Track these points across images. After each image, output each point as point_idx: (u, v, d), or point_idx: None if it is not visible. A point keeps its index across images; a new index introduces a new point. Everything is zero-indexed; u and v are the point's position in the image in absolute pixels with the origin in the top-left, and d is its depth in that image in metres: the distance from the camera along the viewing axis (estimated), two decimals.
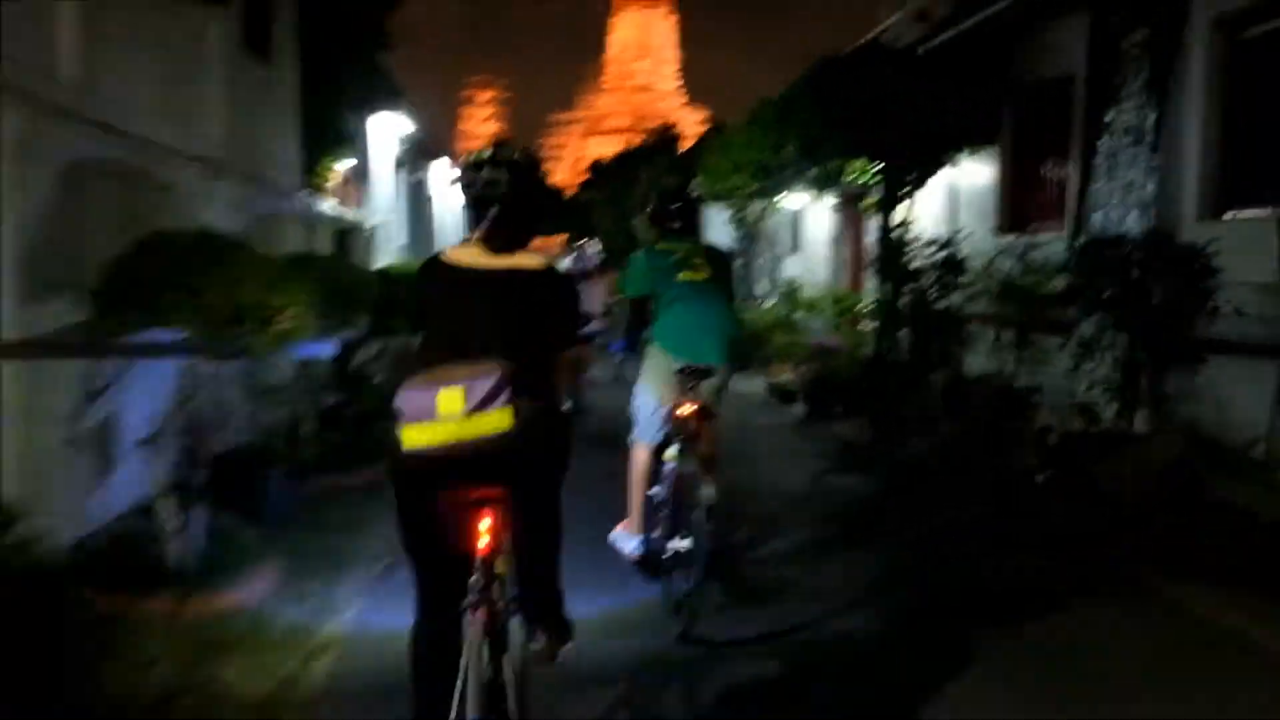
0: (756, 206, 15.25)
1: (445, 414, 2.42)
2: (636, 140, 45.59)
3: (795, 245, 16.76)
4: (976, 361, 8.97)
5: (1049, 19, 8.61)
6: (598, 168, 45.64)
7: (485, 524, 2.53)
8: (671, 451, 4.30)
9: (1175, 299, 5.74)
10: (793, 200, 15.01)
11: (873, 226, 12.60)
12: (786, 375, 11.14)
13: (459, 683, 2.38)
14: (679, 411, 4.26)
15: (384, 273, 9.43)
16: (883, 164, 10.08)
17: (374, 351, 8.12)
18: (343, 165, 13.02)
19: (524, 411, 2.46)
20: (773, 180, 12.52)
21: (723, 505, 4.40)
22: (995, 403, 7.25)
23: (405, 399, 2.47)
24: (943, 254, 9.13)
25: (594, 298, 10.81)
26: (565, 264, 42.10)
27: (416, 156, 18.12)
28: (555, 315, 2.86)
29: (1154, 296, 5.85)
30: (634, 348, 4.72)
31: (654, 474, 4.48)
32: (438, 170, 21.47)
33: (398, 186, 16.52)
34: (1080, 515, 5.52)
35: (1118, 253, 6.20)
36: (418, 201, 18.61)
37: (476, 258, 2.81)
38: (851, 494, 6.83)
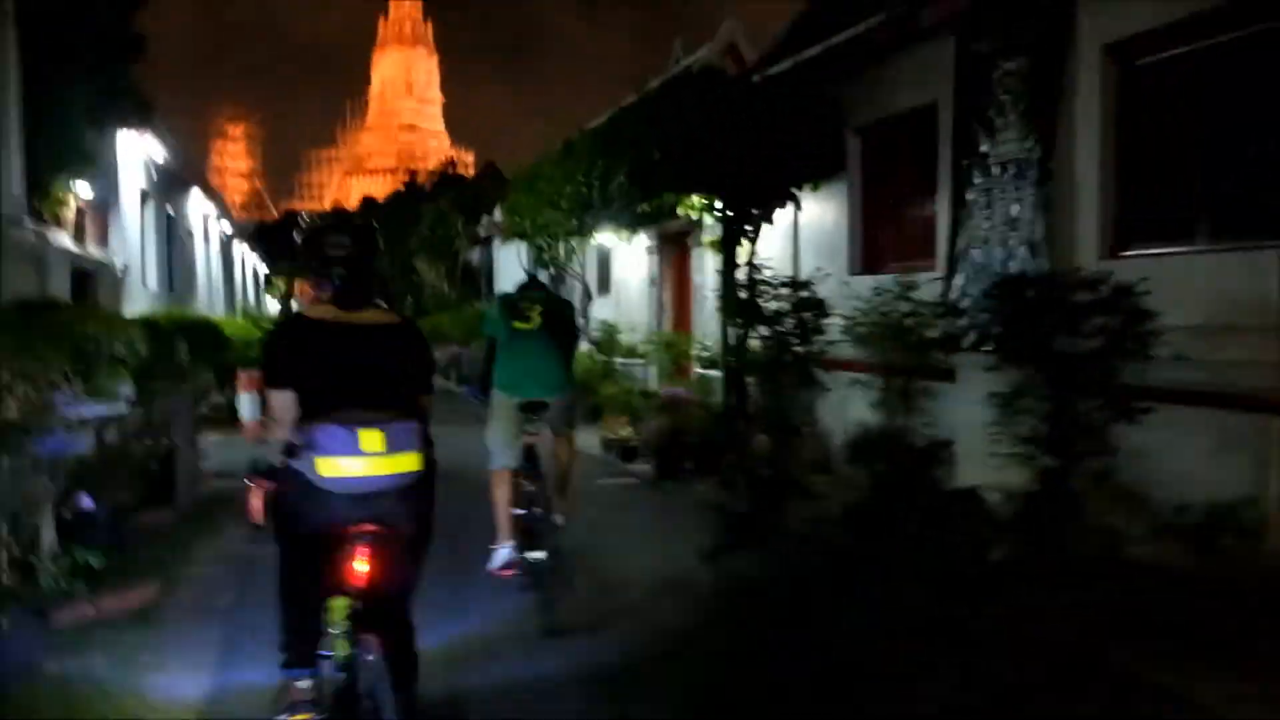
0: (565, 245, 14.19)
1: (368, 450, 2.75)
2: (402, 180, 43.74)
3: (605, 286, 15.84)
4: (851, 412, 8.30)
5: (901, 47, 8.16)
6: (370, 207, 43.22)
7: (364, 558, 2.76)
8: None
9: (1112, 343, 5.18)
10: (603, 239, 14.08)
11: (706, 265, 11.89)
12: (625, 429, 10.10)
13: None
14: (525, 441, 5.23)
15: (151, 324, 7.55)
16: (722, 198, 9.30)
17: (138, 421, 6.28)
18: (82, 191, 10.77)
19: (427, 456, 2.91)
20: (592, 216, 11.51)
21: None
22: (900, 459, 6.49)
23: (324, 433, 2.76)
24: (800, 294, 8.44)
25: None
26: None
27: (171, 187, 15.71)
28: (417, 364, 3.16)
29: (1086, 342, 5.27)
30: (485, 391, 5.41)
31: (517, 495, 5.29)
32: (196, 204, 18.95)
33: (150, 220, 14.14)
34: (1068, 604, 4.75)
35: (1039, 293, 5.59)
36: (173, 239, 16.15)
37: (337, 314, 3.03)
38: (753, 581, 5.78)
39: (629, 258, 14.72)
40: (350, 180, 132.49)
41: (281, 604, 3.03)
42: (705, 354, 10.97)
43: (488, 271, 27.15)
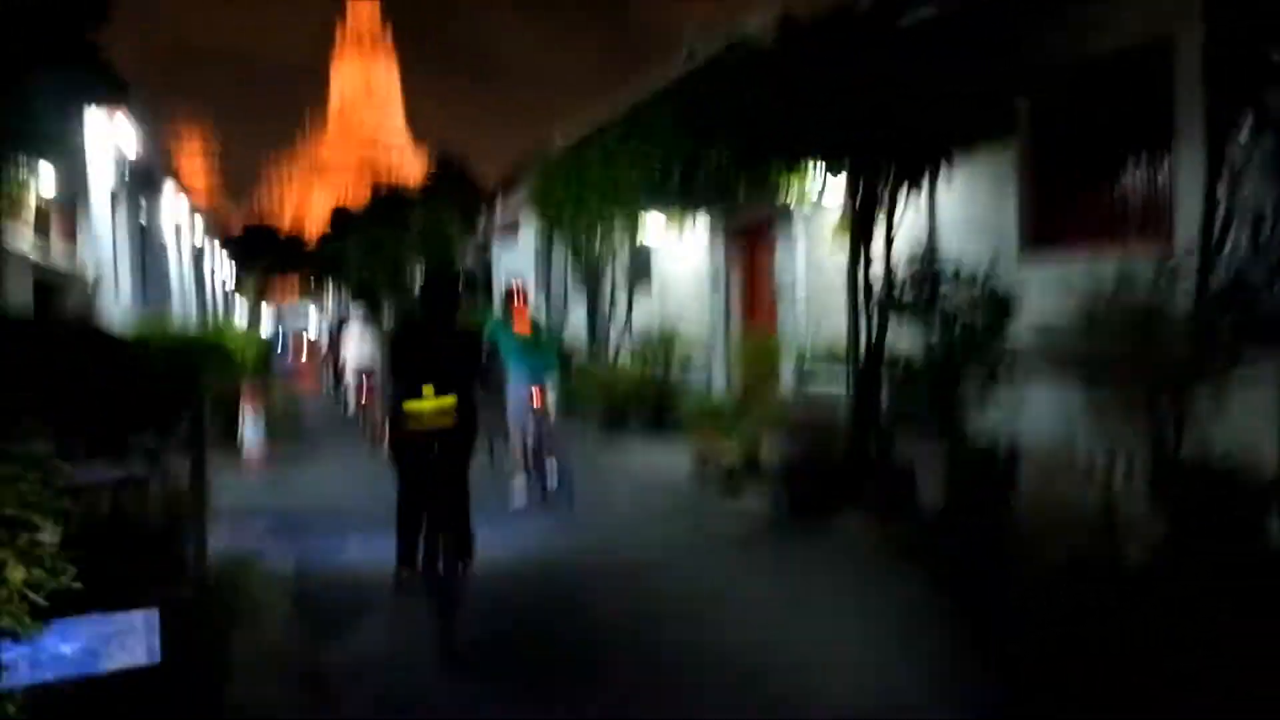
0: (608, 241, 12.34)
1: (427, 395, 4.89)
2: (370, 186, 41.76)
3: (645, 285, 13.97)
4: (1043, 427, 6.55)
5: None
6: (343, 217, 40.94)
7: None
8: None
9: None
10: (652, 232, 12.25)
11: (797, 257, 10.12)
12: (727, 450, 8.29)
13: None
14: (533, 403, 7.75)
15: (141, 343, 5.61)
16: (856, 167, 7.52)
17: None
18: (44, 183, 8.77)
19: (462, 405, 4.98)
20: (662, 202, 9.71)
21: None
22: (1207, 497, 4.73)
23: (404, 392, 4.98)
24: (977, 285, 6.73)
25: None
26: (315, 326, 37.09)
27: (143, 184, 13.64)
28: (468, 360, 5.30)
29: None
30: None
31: (523, 446, 7.83)
32: (168, 203, 16.84)
33: (122, 221, 12.09)
34: None
35: None
36: (147, 243, 14.07)
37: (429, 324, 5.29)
38: None
39: (679, 252, 12.89)
40: (311, 192, 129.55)
41: (398, 517, 5.20)
42: (809, 361, 9.19)
43: (485, 272, 25.27)
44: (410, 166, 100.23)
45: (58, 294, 8.69)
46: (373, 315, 13.24)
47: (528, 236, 19.79)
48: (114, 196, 12.04)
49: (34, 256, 8.13)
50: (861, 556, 6.13)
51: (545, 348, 8.03)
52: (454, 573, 4.78)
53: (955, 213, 8.07)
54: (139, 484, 3.68)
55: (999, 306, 6.66)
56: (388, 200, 32.54)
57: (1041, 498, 6.10)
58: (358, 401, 12.63)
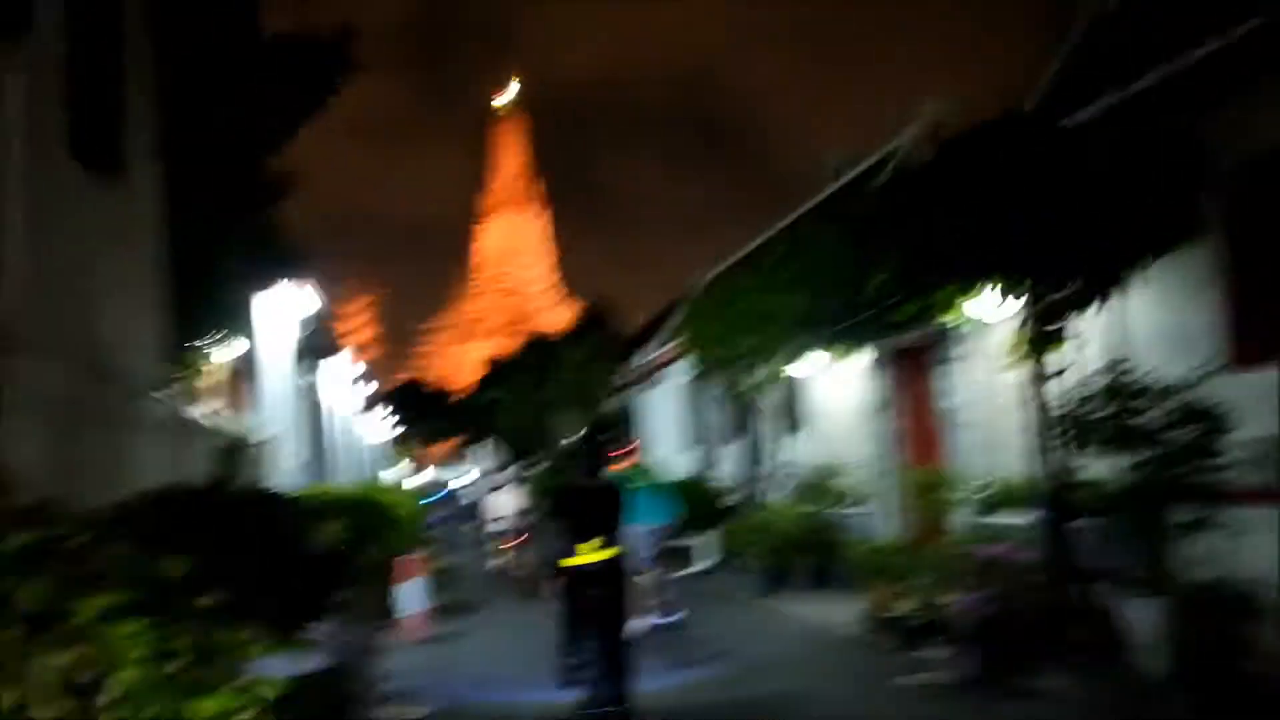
0: (759, 374, 12.07)
1: (583, 550, 5.82)
2: (520, 338, 43.41)
3: (794, 420, 13.55)
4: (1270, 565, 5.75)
5: None
6: (495, 366, 42.43)
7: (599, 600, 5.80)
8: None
9: None
10: (807, 363, 11.93)
11: (965, 382, 9.60)
12: (904, 602, 7.66)
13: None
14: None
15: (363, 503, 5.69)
16: (1035, 283, 7.07)
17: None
18: (225, 355, 9.31)
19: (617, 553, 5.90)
20: (822, 330, 9.45)
21: None
22: None
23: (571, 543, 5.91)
24: (1180, 400, 6.11)
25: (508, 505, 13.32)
26: (472, 483, 37.82)
27: (316, 349, 14.42)
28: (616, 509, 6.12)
29: None
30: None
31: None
32: (332, 371, 17.73)
33: (293, 387, 12.71)
34: None
35: None
36: (314, 408, 14.76)
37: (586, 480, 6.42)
38: None
39: (833, 383, 12.50)
40: (465, 345, 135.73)
41: (563, 638, 6.16)
42: (986, 494, 8.52)
43: (625, 418, 25.41)
44: (558, 316, 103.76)
45: (234, 458, 9.06)
46: (524, 470, 13.62)
47: (677, 377, 19.81)
48: (287, 363, 12.70)
49: (212, 422, 8.52)
50: None
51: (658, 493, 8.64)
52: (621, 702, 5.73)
53: (1146, 323, 7.46)
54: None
55: (1207, 423, 5.99)
56: (536, 348, 33.56)
57: None
58: (510, 557, 12.77)
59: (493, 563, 13.58)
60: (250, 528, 2.84)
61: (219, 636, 1.63)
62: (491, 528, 13.71)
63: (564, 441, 27.29)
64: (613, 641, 5.76)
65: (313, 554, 3.38)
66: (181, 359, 8.66)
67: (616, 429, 20.03)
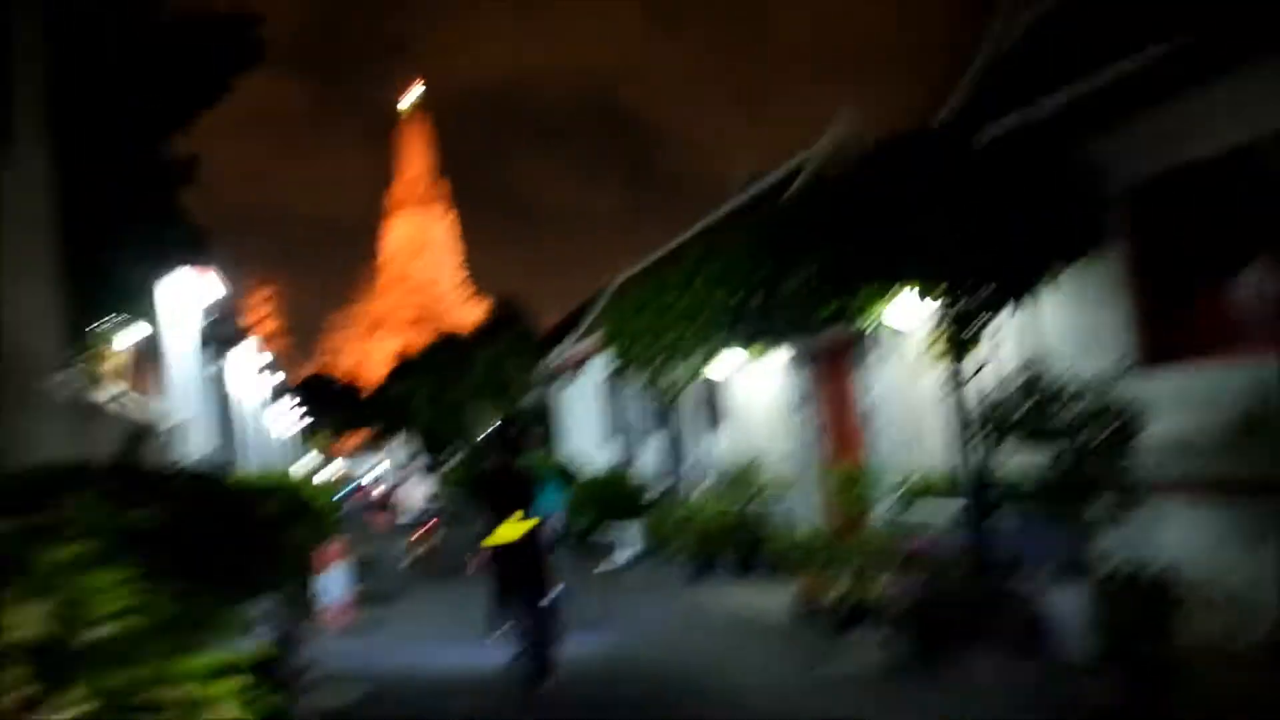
0: (677, 371, 12.10)
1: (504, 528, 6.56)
2: (429, 334, 42.81)
3: (714, 418, 13.64)
4: (1179, 556, 6.00)
5: (1199, 81, 6.28)
6: (405, 364, 41.64)
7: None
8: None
9: None
10: (726, 361, 12.01)
11: (886, 379, 9.78)
12: (835, 589, 7.75)
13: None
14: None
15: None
16: (951, 288, 7.25)
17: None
18: (127, 339, 8.86)
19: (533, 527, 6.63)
20: (744, 328, 9.50)
21: None
22: None
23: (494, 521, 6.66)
24: (1094, 400, 6.32)
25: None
26: (382, 475, 37.43)
27: (220, 335, 13.88)
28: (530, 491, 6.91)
29: None
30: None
31: None
32: (239, 360, 17.10)
33: (199, 372, 12.20)
34: None
35: None
36: (223, 394, 14.21)
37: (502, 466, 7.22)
38: None
39: (756, 380, 12.62)
40: (368, 342, 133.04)
41: (494, 602, 6.82)
42: (907, 487, 8.70)
43: (542, 414, 25.21)
44: (467, 314, 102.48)
45: (140, 442, 8.65)
46: (435, 462, 14.00)
47: (593, 373, 19.73)
48: (192, 348, 12.19)
49: (117, 406, 8.11)
50: (1005, 704, 5.52)
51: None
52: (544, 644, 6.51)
53: (1060, 325, 7.71)
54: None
55: (1120, 422, 6.21)
56: (446, 346, 33.07)
57: (1201, 638, 5.51)
58: (418, 539, 13.73)
59: (405, 550, 13.95)
60: (188, 501, 2.67)
61: (197, 597, 1.51)
62: (403, 519, 14.67)
63: (481, 434, 27.07)
64: (536, 607, 6.49)
65: (250, 532, 3.21)
66: (83, 341, 8.24)
67: (528, 422, 20.22)
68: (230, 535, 2.75)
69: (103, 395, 7.96)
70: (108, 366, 8.64)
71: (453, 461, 24.86)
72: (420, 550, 13.48)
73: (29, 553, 1.18)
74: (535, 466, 8.82)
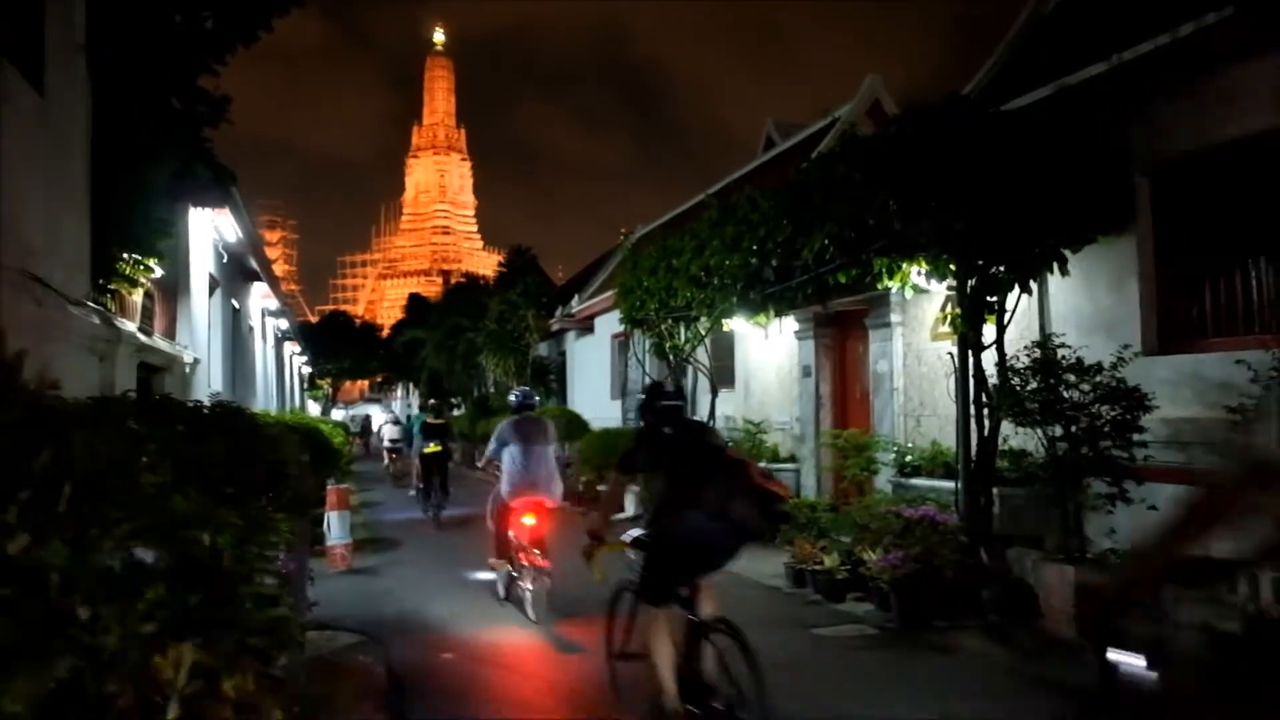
0: (694, 331, 12.15)
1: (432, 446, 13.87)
2: (440, 280, 42.68)
3: (729, 379, 13.75)
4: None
5: (1237, 59, 6.25)
6: (419, 305, 41.74)
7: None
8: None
9: None
10: (738, 321, 12.06)
11: (895, 349, 9.83)
12: (827, 556, 7.89)
13: None
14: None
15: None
16: (964, 260, 7.27)
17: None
18: (152, 273, 8.95)
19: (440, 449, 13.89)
20: (758, 291, 9.55)
21: None
22: None
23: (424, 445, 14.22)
24: (1102, 378, 6.38)
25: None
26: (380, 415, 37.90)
27: (237, 275, 14.00)
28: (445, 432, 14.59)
29: None
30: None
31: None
32: (257, 296, 17.25)
33: (217, 310, 12.34)
34: None
35: None
36: (237, 332, 14.36)
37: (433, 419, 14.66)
38: None
39: (764, 344, 12.70)
40: (384, 283, 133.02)
41: (421, 492, 14.36)
42: (910, 458, 8.81)
43: (559, 366, 25.31)
44: (482, 263, 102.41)
45: (158, 375, 8.79)
46: (439, 411, 15.77)
47: (607, 329, 19.81)
48: (213, 282, 12.32)
49: (141, 339, 8.24)
50: (987, 680, 5.65)
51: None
52: (441, 507, 13.38)
53: (1073, 303, 7.75)
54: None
55: (1128, 401, 6.27)
56: (460, 290, 33.07)
57: (1190, 620, 5.62)
58: (389, 460, 23.10)
59: (386, 464, 23.41)
60: (230, 434, 2.79)
61: (264, 520, 1.61)
62: (386, 445, 23.61)
63: (488, 387, 27.17)
64: (441, 488, 13.43)
65: (283, 465, 3.33)
66: (108, 273, 8.35)
67: (535, 365, 23.00)
68: (270, 466, 2.88)
69: (126, 328, 8.08)
70: (131, 300, 8.76)
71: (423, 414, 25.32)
72: (392, 462, 22.79)
73: (123, 471, 1.27)
74: (430, 420, 14.45)
